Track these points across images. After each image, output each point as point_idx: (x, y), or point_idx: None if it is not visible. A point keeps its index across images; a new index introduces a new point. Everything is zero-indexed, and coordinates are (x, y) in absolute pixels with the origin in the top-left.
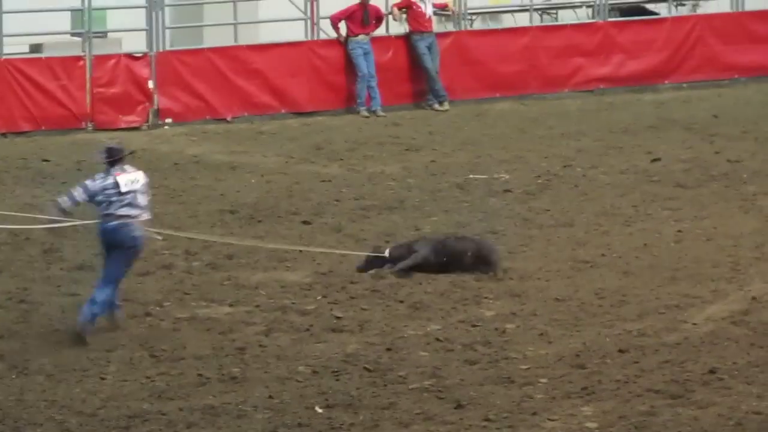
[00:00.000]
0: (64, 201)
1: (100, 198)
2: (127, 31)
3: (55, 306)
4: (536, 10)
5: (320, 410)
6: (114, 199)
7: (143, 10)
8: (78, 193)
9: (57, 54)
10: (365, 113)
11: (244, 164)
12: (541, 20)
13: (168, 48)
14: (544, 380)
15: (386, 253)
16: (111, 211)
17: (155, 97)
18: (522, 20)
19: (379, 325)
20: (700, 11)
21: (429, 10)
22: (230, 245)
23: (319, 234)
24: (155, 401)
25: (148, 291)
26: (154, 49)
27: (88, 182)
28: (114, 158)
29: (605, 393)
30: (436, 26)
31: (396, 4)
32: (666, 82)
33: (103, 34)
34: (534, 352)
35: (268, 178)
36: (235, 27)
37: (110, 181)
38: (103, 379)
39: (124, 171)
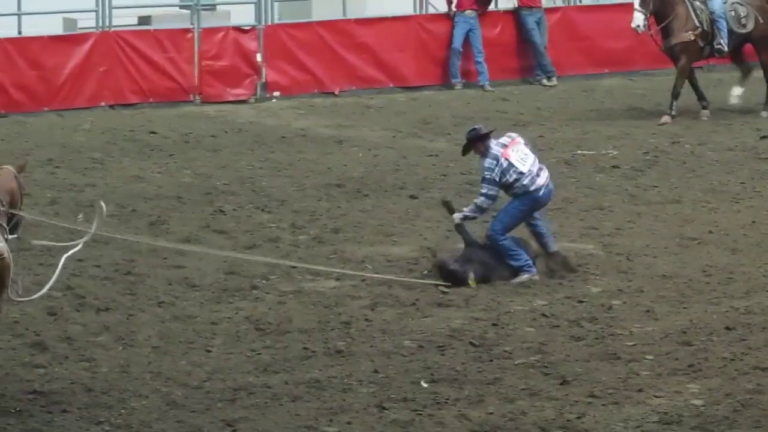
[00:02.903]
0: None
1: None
2: (236, 4)
3: (161, 278)
4: None
5: (425, 385)
6: (524, 178)
7: None
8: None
9: (165, 26)
10: (459, 86)
11: (351, 138)
12: None
13: (276, 21)
14: (650, 357)
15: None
16: (535, 184)
17: (263, 70)
18: None
19: (484, 301)
20: None
21: None
22: (336, 218)
23: (425, 208)
24: (260, 374)
25: (255, 264)
26: (263, 23)
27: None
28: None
29: (711, 370)
30: (545, 1)
31: None
32: None
33: (212, 7)
34: (640, 329)
35: (374, 152)
36: (344, 0)
37: (503, 163)
38: (208, 351)
39: (503, 146)
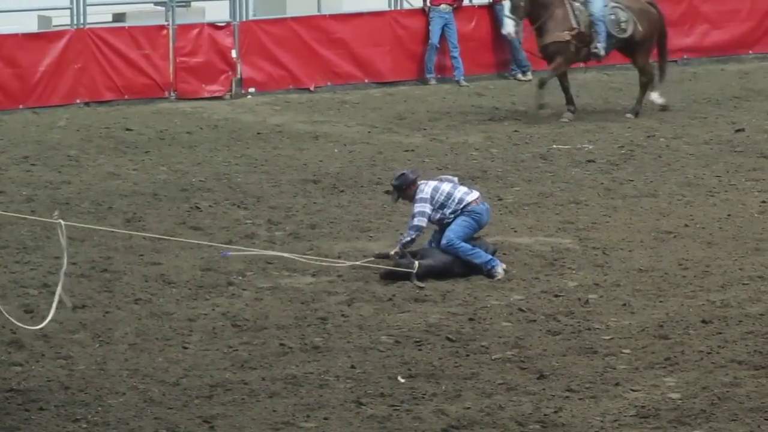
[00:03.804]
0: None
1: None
2: (211, 1)
3: (137, 275)
4: None
5: (402, 380)
6: (455, 191)
7: None
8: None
9: (140, 23)
10: (433, 82)
11: (327, 134)
12: None
13: (251, 17)
14: (626, 351)
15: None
16: (469, 196)
17: (238, 66)
18: None
19: (461, 296)
20: None
21: None
22: (313, 214)
23: (402, 204)
24: (237, 371)
25: (231, 261)
26: (237, 19)
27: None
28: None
29: (688, 364)
30: None
31: None
32: (750, 52)
33: (186, 3)
34: (617, 323)
35: (350, 147)
36: None
37: (432, 184)
38: (185, 348)
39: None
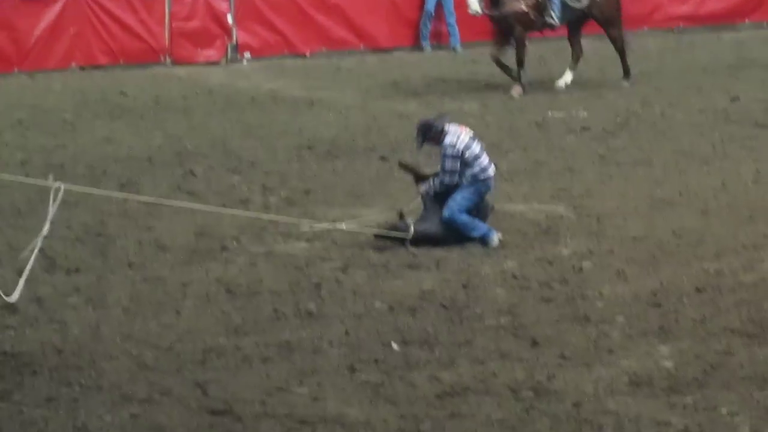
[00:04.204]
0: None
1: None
2: None
3: (131, 240)
4: None
5: (396, 347)
6: (482, 157)
7: None
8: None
9: None
10: (428, 49)
11: (322, 100)
12: None
13: None
14: (620, 319)
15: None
16: (487, 172)
17: (234, 31)
18: None
19: (455, 262)
20: None
21: None
22: (307, 180)
23: (396, 170)
24: (231, 336)
25: (225, 226)
26: None
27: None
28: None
29: (682, 332)
30: None
31: None
32: (746, 21)
33: None
34: (610, 291)
35: (345, 114)
36: None
37: (464, 138)
38: (178, 313)
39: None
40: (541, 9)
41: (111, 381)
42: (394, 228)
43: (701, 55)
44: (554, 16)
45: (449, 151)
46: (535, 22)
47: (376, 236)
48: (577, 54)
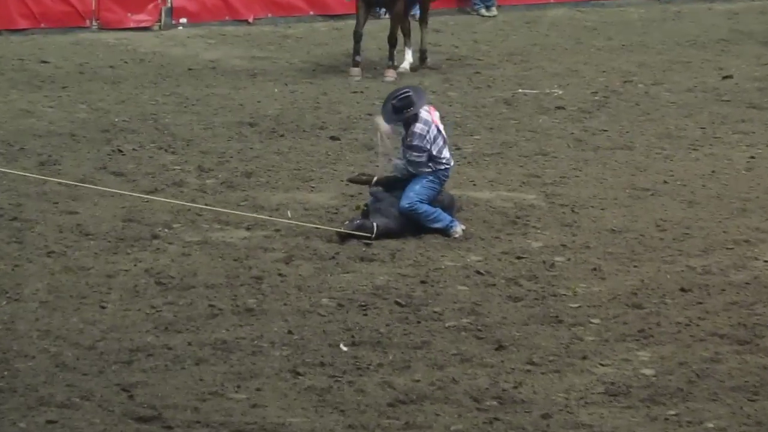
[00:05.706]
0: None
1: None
2: None
3: (51, 225)
4: None
5: (345, 348)
6: (445, 149)
7: None
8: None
9: None
10: (384, 16)
11: (267, 71)
12: None
13: None
14: (596, 321)
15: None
16: (450, 165)
17: None
18: None
19: (412, 255)
20: None
21: None
22: (248, 161)
23: (348, 151)
24: (161, 334)
25: (156, 211)
26: None
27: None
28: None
29: (664, 336)
30: None
31: None
32: None
33: None
34: (585, 289)
35: (292, 87)
36: None
37: (433, 130)
38: (103, 308)
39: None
40: None
41: (26, 383)
42: (361, 227)
43: (690, 27)
44: None
45: (417, 142)
46: None
47: (339, 234)
48: (406, 31)
